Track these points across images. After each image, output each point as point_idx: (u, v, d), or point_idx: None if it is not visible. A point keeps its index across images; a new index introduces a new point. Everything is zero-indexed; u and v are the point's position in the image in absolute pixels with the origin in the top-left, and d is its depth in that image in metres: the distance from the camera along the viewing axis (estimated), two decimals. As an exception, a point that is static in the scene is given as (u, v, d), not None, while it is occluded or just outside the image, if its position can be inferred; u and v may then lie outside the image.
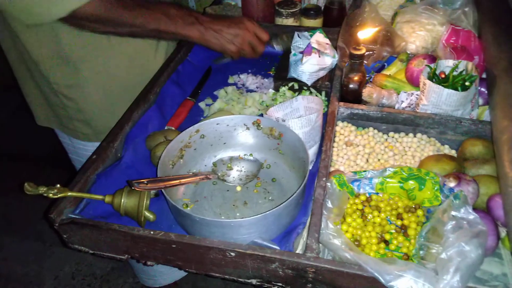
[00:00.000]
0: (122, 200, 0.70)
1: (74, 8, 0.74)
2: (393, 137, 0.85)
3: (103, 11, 0.77)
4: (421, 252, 0.60)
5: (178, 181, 0.69)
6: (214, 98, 1.03)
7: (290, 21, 1.17)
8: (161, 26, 0.85)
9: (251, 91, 1.05)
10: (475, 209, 0.62)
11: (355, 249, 0.60)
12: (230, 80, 1.09)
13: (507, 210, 0.57)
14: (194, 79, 1.08)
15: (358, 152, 0.83)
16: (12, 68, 0.98)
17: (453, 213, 0.58)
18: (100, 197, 0.71)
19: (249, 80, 1.08)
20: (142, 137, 0.87)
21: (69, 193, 0.69)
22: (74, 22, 0.78)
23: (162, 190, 0.66)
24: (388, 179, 0.69)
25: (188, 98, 1.00)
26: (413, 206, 0.69)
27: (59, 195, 0.69)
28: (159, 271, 1.38)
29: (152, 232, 0.63)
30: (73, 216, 0.69)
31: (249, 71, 1.12)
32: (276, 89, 1.02)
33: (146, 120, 0.91)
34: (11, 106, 2.66)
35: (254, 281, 0.65)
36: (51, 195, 0.68)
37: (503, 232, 0.63)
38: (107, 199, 0.71)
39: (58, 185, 0.70)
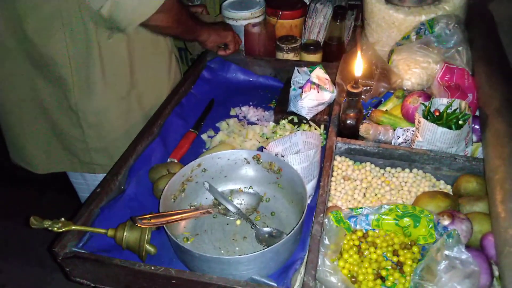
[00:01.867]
0: (125, 234, 0.71)
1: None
2: (389, 172, 0.87)
3: (177, 8, 0.91)
4: (416, 290, 0.61)
5: (180, 216, 0.71)
6: (216, 130, 1.06)
7: (290, 56, 1.21)
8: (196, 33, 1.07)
9: (252, 123, 1.08)
10: (468, 246, 0.64)
11: (352, 287, 0.61)
12: (232, 112, 1.12)
13: (499, 250, 0.58)
14: (197, 111, 1.11)
15: (356, 186, 0.85)
16: (9, 119, 0.99)
17: (447, 252, 0.59)
18: (103, 231, 0.73)
19: (250, 112, 1.11)
20: (145, 169, 0.90)
21: (73, 227, 0.71)
22: (157, 18, 0.87)
23: (164, 225, 0.68)
24: (384, 216, 0.70)
25: (190, 130, 1.03)
26: (409, 243, 0.70)
27: (63, 229, 0.70)
28: None
29: (153, 268, 0.65)
30: (76, 250, 0.71)
31: (250, 103, 1.15)
32: (277, 122, 1.05)
33: (149, 152, 0.93)
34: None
35: (252, 318, 0.66)
36: (55, 229, 0.70)
37: (496, 271, 0.64)
38: (110, 233, 0.73)
39: (63, 219, 0.72)
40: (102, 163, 1.04)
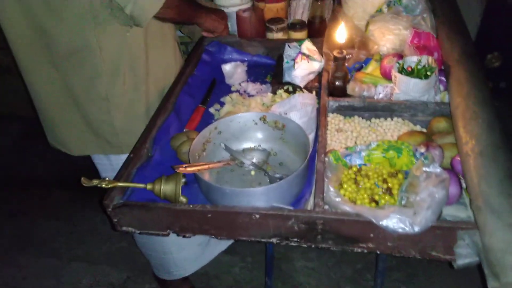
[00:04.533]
0: (162, 187, 0.86)
1: None
2: (374, 122, 1.03)
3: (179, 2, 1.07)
4: (402, 202, 0.78)
5: (207, 166, 0.86)
6: (222, 104, 1.20)
7: (279, 35, 1.36)
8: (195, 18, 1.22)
9: (252, 96, 1.23)
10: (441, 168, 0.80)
11: (352, 204, 0.77)
12: (233, 88, 1.27)
13: (462, 161, 0.75)
14: (202, 89, 1.25)
15: (347, 136, 1.01)
16: (45, 108, 1.13)
17: (424, 169, 0.76)
18: (142, 185, 0.87)
19: (249, 86, 1.26)
20: (166, 139, 1.04)
21: (118, 184, 0.85)
22: (164, 12, 1.02)
23: (197, 173, 0.82)
24: (373, 151, 0.86)
25: (199, 105, 1.18)
26: (395, 171, 0.86)
27: (110, 185, 0.84)
28: (175, 264, 1.52)
29: (191, 206, 0.79)
30: (123, 201, 0.84)
31: (248, 80, 1.30)
32: (274, 92, 1.20)
33: (168, 125, 1.08)
34: (13, 135, 2.80)
35: (274, 240, 0.81)
36: (104, 185, 0.84)
37: (464, 183, 0.81)
38: (149, 186, 0.87)
39: (107, 178, 0.85)
40: (129, 143, 1.14)
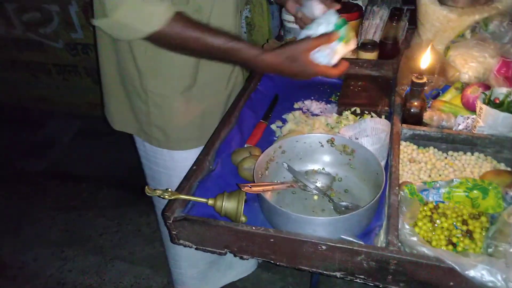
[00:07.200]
0: (224, 203, 0.83)
1: (157, 28, 0.86)
2: (452, 155, 0.95)
3: (177, 33, 0.88)
4: (489, 250, 0.70)
5: (271, 186, 0.82)
6: (283, 121, 1.17)
7: (348, 54, 1.31)
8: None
9: (316, 115, 1.18)
10: (536, 215, 0.71)
11: (430, 246, 0.70)
12: (296, 106, 1.23)
13: None
14: (264, 105, 1.23)
15: (421, 168, 0.94)
16: (104, 79, 1.18)
17: (518, 216, 0.68)
18: (204, 200, 0.85)
19: (313, 105, 1.22)
20: (227, 152, 1.02)
21: (181, 196, 0.83)
22: (155, 39, 0.90)
23: (261, 193, 0.79)
24: (454, 189, 0.79)
25: (261, 120, 1.15)
26: (477, 213, 0.78)
27: (172, 197, 0.83)
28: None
29: (253, 228, 0.76)
30: (184, 214, 0.83)
31: (312, 98, 1.26)
32: (340, 113, 1.15)
33: (230, 138, 1.05)
34: (71, 131, 2.93)
35: (338, 274, 0.76)
36: (166, 196, 0.82)
37: (562, 236, 0.71)
38: (210, 202, 0.84)
39: (170, 189, 0.84)
40: (158, 138, 1.17)
